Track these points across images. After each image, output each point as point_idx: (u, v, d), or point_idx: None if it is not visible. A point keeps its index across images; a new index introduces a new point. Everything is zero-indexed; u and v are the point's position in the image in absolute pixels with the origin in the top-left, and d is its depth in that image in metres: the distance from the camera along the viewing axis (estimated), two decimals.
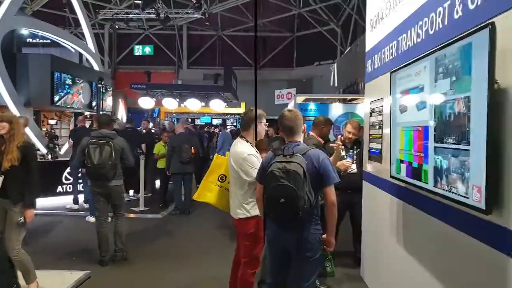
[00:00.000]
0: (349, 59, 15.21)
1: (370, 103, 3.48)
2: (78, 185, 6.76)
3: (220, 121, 20.83)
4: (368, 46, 3.61)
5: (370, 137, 3.46)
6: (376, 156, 3.24)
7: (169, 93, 15.79)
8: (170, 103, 15.64)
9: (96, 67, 11.83)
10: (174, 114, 18.92)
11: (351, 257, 4.22)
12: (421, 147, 2.14)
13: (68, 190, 7.09)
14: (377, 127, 3.24)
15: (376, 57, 3.29)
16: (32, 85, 8.41)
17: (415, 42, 2.38)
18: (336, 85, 16.27)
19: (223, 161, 3.15)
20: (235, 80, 18.33)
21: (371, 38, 3.53)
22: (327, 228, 2.30)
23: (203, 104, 16.31)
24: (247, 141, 2.86)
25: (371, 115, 3.47)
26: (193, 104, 15.80)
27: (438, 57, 1.89)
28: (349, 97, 11.30)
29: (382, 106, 3.10)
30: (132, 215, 6.40)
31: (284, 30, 23.73)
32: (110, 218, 4.55)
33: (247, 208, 2.75)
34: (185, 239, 5.30)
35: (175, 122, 11.99)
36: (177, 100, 16.03)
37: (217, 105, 16.01)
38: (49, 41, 10.88)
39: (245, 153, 2.73)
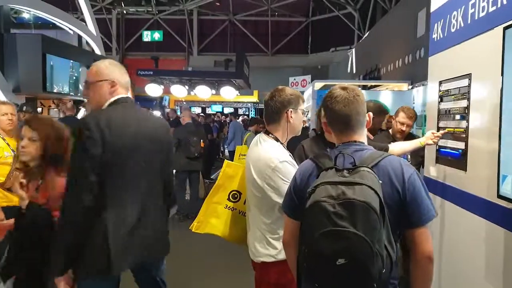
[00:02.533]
0: (368, 44, 14.06)
1: (440, 83, 2.45)
2: None
3: (231, 110, 19.86)
4: (436, 3, 2.57)
5: (441, 131, 2.44)
6: (455, 159, 2.23)
7: (177, 80, 14.93)
8: (179, 91, 14.79)
9: (97, 50, 10.92)
10: (184, 103, 18.04)
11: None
12: None
13: None
14: (457, 116, 2.22)
15: (457, 14, 2.25)
16: (21, 69, 7.51)
17: None
18: (354, 71, 15.18)
19: (236, 171, 2.08)
20: (247, 66, 17.36)
21: None
22: None
23: (213, 92, 15.45)
24: (276, 140, 1.82)
25: (441, 101, 2.45)
26: (203, 92, 14.91)
27: None
28: (373, 83, 10.28)
29: (468, 85, 2.08)
30: None
31: (299, 14, 22.55)
32: None
33: (277, 246, 1.71)
34: (185, 253, 4.16)
35: (178, 111, 11.07)
36: (186, 87, 15.19)
37: (228, 93, 15.10)
38: (46, 23, 9.96)
39: (275, 159, 1.70)
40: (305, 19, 22.87)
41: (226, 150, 12.20)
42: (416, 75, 8.87)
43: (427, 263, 1.24)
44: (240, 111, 19.89)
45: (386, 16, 13.01)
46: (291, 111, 1.81)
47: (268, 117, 1.85)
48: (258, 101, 18.99)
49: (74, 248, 1.65)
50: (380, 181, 1.17)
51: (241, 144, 7.21)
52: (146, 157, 1.81)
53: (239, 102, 19.62)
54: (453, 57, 2.29)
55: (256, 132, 6.48)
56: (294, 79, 17.18)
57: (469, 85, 2.07)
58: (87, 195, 1.62)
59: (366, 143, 1.36)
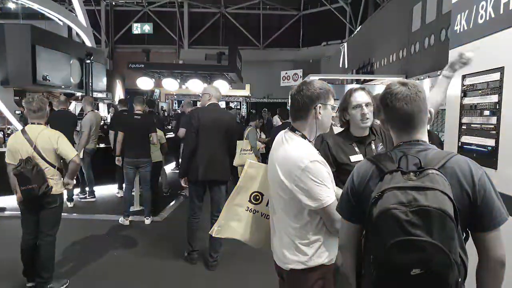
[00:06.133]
0: (361, 38, 13.98)
1: (463, 77, 2.36)
2: None
3: (223, 104, 19.66)
4: None
5: (463, 127, 2.36)
6: (482, 156, 2.15)
7: (169, 73, 14.67)
8: (170, 84, 14.53)
9: (88, 42, 10.63)
10: (175, 96, 17.80)
11: None
12: None
13: None
14: (486, 112, 2.13)
15: (485, 5, 2.15)
16: (10, 61, 7.21)
17: None
18: (346, 66, 15.11)
19: (258, 172, 1.93)
20: (240, 60, 17.14)
21: None
22: None
23: (205, 85, 15.22)
24: (304, 137, 1.67)
25: (464, 95, 2.36)
26: (195, 85, 14.69)
27: None
28: (367, 77, 10.24)
29: (500, 79, 1.99)
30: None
31: (290, 8, 22.38)
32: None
33: (307, 252, 1.60)
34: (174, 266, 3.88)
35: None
36: (178, 81, 14.94)
37: (221, 86, 14.91)
38: (35, 13, 9.62)
39: (305, 158, 1.56)
40: (296, 13, 22.70)
41: None
42: (411, 69, 8.85)
43: (500, 268, 1.18)
44: (232, 105, 19.73)
45: (380, 10, 12.93)
46: (320, 107, 1.66)
47: (294, 113, 1.71)
48: (250, 95, 18.81)
49: (186, 165, 3.66)
50: (449, 184, 1.10)
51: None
52: (214, 130, 3.66)
53: (230, 96, 19.43)
54: (481, 49, 2.19)
55: (257, 127, 6.40)
56: (286, 73, 17.06)
57: (501, 79, 1.97)
58: (190, 141, 3.63)
59: (427, 140, 1.27)
